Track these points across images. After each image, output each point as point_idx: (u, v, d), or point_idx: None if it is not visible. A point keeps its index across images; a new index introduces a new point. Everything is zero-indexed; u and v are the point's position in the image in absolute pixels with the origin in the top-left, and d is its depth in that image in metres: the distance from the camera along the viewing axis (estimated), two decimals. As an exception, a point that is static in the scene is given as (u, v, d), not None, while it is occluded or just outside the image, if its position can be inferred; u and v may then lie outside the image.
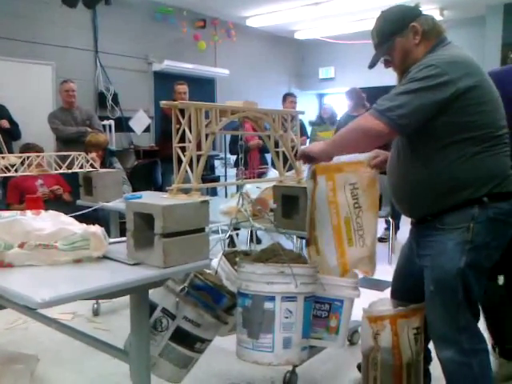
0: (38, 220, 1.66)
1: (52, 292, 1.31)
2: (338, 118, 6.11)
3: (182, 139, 1.81)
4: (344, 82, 9.09)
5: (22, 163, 2.89)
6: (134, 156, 6.50)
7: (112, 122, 6.37)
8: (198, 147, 1.80)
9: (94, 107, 6.29)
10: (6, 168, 2.83)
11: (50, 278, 1.50)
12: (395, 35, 1.81)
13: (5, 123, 4.86)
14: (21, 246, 1.58)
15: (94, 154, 3.54)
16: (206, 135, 1.80)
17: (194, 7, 7.31)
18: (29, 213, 1.70)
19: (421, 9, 1.86)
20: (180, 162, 1.80)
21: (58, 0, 4.99)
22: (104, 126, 6.00)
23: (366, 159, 2.02)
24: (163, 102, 1.79)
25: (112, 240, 1.83)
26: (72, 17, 5.97)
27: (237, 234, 3.71)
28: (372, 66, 1.91)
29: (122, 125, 6.61)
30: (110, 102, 6.44)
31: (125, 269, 1.57)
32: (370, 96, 8.21)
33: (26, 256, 1.57)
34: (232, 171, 6.81)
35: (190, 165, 1.79)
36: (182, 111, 1.80)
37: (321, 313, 2.12)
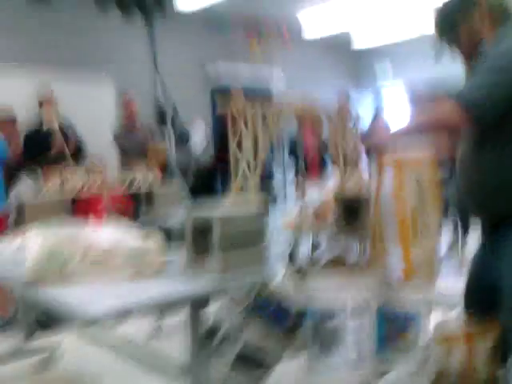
0: (96, 235, 1.64)
1: (109, 305, 1.29)
2: None
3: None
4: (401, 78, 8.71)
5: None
6: (195, 173, 6.51)
7: (172, 136, 6.41)
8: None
9: (154, 122, 6.38)
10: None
11: (108, 292, 1.46)
12: (461, 23, 1.72)
13: (72, 144, 4.78)
14: (80, 261, 1.56)
15: (157, 172, 3.58)
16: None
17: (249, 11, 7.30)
18: (88, 228, 1.69)
19: None
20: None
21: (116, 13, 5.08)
22: (164, 139, 6.06)
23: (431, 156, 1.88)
24: (219, 110, 1.74)
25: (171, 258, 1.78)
26: (132, 33, 6.12)
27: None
28: (438, 58, 1.82)
29: (182, 137, 6.65)
30: (171, 114, 6.50)
31: (180, 280, 1.53)
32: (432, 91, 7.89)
33: (84, 271, 1.55)
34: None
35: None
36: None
37: (392, 331, 1.98)
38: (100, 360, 2.83)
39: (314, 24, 7.90)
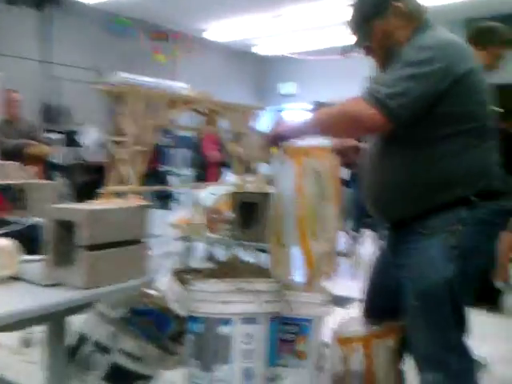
0: None
1: None
2: None
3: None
4: (305, 97, 9.00)
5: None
6: (83, 172, 6.12)
7: (60, 136, 6.00)
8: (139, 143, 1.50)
9: (41, 120, 5.93)
10: None
11: None
12: (375, 17, 1.62)
13: None
14: None
15: (35, 168, 3.21)
16: (151, 130, 1.50)
17: (152, 19, 7.09)
18: None
19: None
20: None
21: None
22: (51, 139, 5.64)
23: (330, 145, 1.77)
24: (101, 87, 1.49)
25: (29, 257, 1.49)
26: (22, 24, 5.64)
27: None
28: (347, 51, 1.73)
29: (72, 139, 6.25)
30: (59, 114, 6.09)
31: (38, 291, 1.24)
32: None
33: None
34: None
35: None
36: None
37: (286, 336, 1.84)
38: None
39: (219, 33, 7.87)
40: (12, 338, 2.89)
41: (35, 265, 1.43)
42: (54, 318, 1.24)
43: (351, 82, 8.08)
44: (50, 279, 1.28)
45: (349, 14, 1.70)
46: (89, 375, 1.43)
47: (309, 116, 1.63)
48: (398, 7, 1.59)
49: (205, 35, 7.99)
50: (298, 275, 1.76)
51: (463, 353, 1.54)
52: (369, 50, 1.69)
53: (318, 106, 5.79)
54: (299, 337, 1.87)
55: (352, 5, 1.70)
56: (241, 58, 9.19)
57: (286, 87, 9.67)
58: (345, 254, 5.05)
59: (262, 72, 9.83)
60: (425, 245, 1.52)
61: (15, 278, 1.33)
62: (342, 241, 5.24)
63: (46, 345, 1.29)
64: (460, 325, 1.54)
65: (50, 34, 6.08)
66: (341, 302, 3.60)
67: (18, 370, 1.65)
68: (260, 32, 7.84)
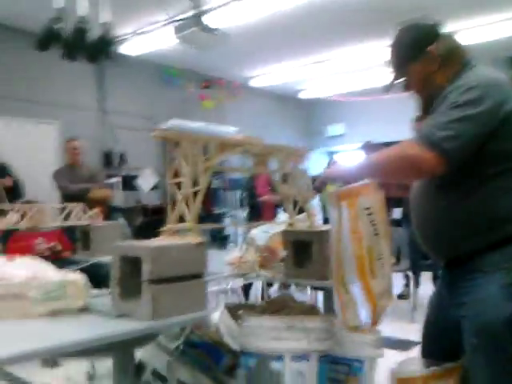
0: (10, 266, 1.45)
1: (13, 348, 1.08)
2: None
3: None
4: (353, 138, 9.06)
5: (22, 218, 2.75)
6: (142, 214, 6.36)
7: (119, 180, 6.31)
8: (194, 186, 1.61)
9: (100, 166, 6.26)
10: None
11: (17, 332, 1.27)
12: (410, 61, 1.66)
13: (8, 181, 4.79)
14: (-11, 296, 1.36)
15: (97, 209, 3.39)
16: (204, 171, 1.61)
17: (199, 68, 7.44)
18: (1, 258, 1.50)
19: (442, 27, 1.69)
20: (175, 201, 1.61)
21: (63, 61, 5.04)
22: (111, 184, 5.93)
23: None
24: (156, 133, 1.62)
25: (97, 292, 1.61)
26: (78, 76, 6.06)
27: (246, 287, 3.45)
28: (387, 90, 1.75)
29: (130, 183, 6.55)
30: (117, 160, 6.42)
31: (106, 322, 1.34)
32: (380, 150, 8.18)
33: (-7, 308, 1.35)
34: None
35: (186, 204, 1.59)
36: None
37: (337, 375, 1.84)
38: None
39: (264, 80, 8.11)
40: (78, 372, 3.06)
41: (103, 298, 1.54)
42: (122, 348, 1.32)
43: (397, 122, 8.12)
44: (117, 311, 1.38)
45: (389, 54, 1.74)
46: (149, 405, 1.50)
47: (360, 158, 1.67)
48: (431, 52, 1.61)
49: (251, 83, 8.27)
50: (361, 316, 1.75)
51: None
52: (407, 87, 1.72)
53: (367, 145, 5.78)
54: (350, 377, 1.87)
55: (391, 46, 1.73)
56: (287, 102, 9.39)
57: (334, 129, 9.76)
58: (402, 296, 4.94)
59: (309, 115, 9.99)
60: (482, 283, 1.51)
61: (85, 310, 1.44)
62: (400, 283, 5.15)
63: (114, 374, 1.37)
64: None
65: (105, 85, 6.49)
66: (399, 345, 3.52)
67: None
68: (304, 76, 8.03)
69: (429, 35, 1.66)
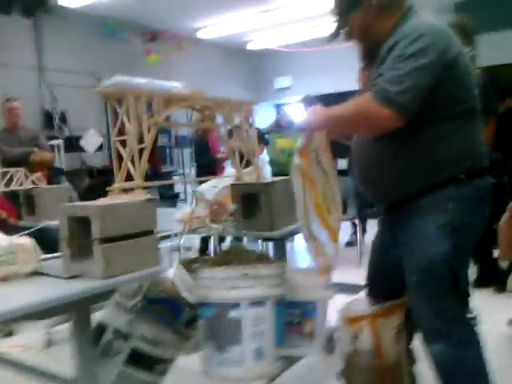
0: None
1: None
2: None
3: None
4: (301, 90, 9.05)
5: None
6: (87, 176, 6.20)
7: (61, 142, 6.09)
8: (141, 142, 1.59)
9: (40, 127, 6.00)
10: None
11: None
12: (350, 10, 1.65)
13: None
14: None
15: (39, 174, 3.28)
16: (149, 128, 1.59)
17: (144, 20, 7.14)
18: None
19: None
20: (120, 158, 1.58)
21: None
22: (52, 146, 5.70)
23: None
24: (97, 89, 1.58)
25: (47, 256, 1.58)
26: (12, 31, 5.70)
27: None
28: (330, 39, 1.75)
29: (73, 144, 6.33)
30: (58, 121, 6.16)
31: (59, 283, 1.34)
32: (327, 103, 8.29)
33: None
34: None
35: (132, 162, 1.57)
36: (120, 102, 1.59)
37: (293, 318, 1.93)
38: None
39: (210, 31, 7.90)
40: (35, 339, 3.08)
41: (54, 261, 1.52)
42: (77, 308, 1.32)
43: (343, 72, 8.18)
44: (69, 272, 1.37)
45: (332, 3, 1.73)
46: (110, 361, 1.52)
47: (301, 111, 1.68)
48: (369, 1, 1.61)
49: (198, 35, 8.05)
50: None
51: (465, 324, 1.61)
52: (349, 36, 1.73)
53: (307, 98, 5.85)
54: (305, 319, 1.97)
55: None
56: (234, 54, 9.23)
57: (281, 81, 9.73)
58: (350, 244, 5.14)
59: (257, 67, 9.87)
60: (420, 224, 1.59)
61: (37, 274, 1.42)
62: (348, 231, 5.34)
63: (73, 335, 1.37)
64: (460, 297, 1.61)
65: (43, 41, 6.14)
66: (348, 289, 3.68)
67: (47, 367, 1.76)
68: (252, 27, 7.89)
69: None
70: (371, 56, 1.69)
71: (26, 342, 3.10)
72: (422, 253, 1.59)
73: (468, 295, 1.72)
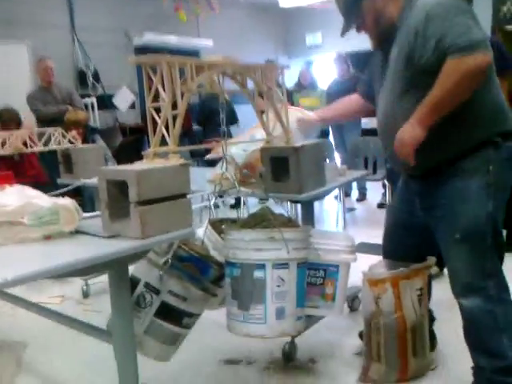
0: (2, 195, 1.52)
1: (16, 270, 1.18)
2: (328, 84, 5.93)
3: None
4: (332, 47, 8.86)
5: (3, 143, 2.77)
6: (120, 134, 6.32)
7: (94, 100, 6.20)
8: (174, 107, 1.64)
9: (74, 85, 6.10)
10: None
11: (16, 256, 1.37)
12: (361, 1, 1.74)
13: None
14: (-17, 224, 1.44)
15: (74, 132, 3.39)
16: (182, 94, 1.64)
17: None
18: (-8, 188, 1.56)
19: None
20: (155, 124, 1.65)
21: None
22: (86, 104, 5.82)
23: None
24: (132, 59, 1.63)
25: (87, 214, 1.69)
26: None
27: (222, 202, 3.55)
28: (343, 34, 1.85)
29: (106, 102, 6.43)
30: (91, 79, 6.26)
31: (99, 242, 1.44)
32: (361, 60, 8.11)
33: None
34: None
35: (167, 127, 1.64)
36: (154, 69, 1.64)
37: (315, 280, 2.02)
38: (24, 323, 2.79)
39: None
40: (73, 290, 3.26)
41: (93, 220, 1.63)
42: (116, 265, 1.43)
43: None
44: (108, 232, 1.48)
45: None
46: (142, 312, 1.64)
47: (421, 111, 1.59)
48: None
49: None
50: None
51: (501, 281, 1.70)
52: (360, 27, 1.81)
53: (340, 57, 5.74)
54: (326, 281, 2.05)
55: None
56: (266, 11, 9.04)
57: (312, 38, 9.53)
58: (382, 205, 5.15)
59: (288, 25, 9.68)
60: (463, 185, 1.66)
61: (78, 232, 1.53)
62: (379, 192, 5.35)
63: (111, 289, 1.48)
64: (498, 254, 1.71)
65: (74, 0, 6.17)
66: (375, 249, 3.75)
67: (84, 317, 1.90)
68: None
69: None
70: (384, 41, 1.77)
71: (64, 292, 3.30)
72: (467, 211, 1.66)
73: (503, 256, 1.82)
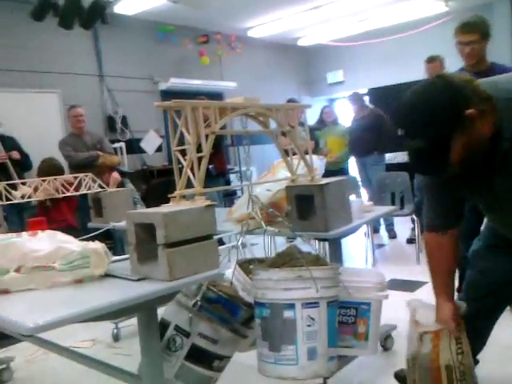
0: (34, 241, 1.56)
1: (47, 315, 1.20)
2: (348, 125, 5.98)
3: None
4: (353, 84, 8.98)
5: (36, 189, 2.86)
6: (148, 177, 6.45)
7: (123, 145, 6.37)
8: (199, 150, 1.68)
9: (103, 131, 6.30)
10: (22, 197, 2.82)
11: (47, 301, 1.39)
12: (451, 136, 1.34)
13: (15, 154, 4.86)
14: (17, 270, 1.48)
15: (116, 174, 3.49)
16: (206, 136, 1.68)
17: (195, 23, 7.32)
18: (25, 234, 1.60)
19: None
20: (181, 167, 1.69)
21: (60, 28, 5.00)
22: (115, 149, 5.97)
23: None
24: (157, 104, 1.68)
25: (117, 258, 1.72)
26: (74, 42, 6.02)
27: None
28: (439, 175, 1.51)
29: (134, 146, 6.61)
30: (119, 124, 6.45)
31: (128, 285, 1.46)
32: (382, 95, 8.18)
33: (23, 280, 1.47)
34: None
35: (192, 170, 1.67)
36: (178, 112, 1.69)
37: (347, 318, 1.98)
38: (57, 368, 2.81)
39: (261, 30, 7.99)
40: (104, 334, 3.27)
41: (122, 263, 1.65)
42: (145, 308, 1.43)
43: (395, 64, 8.04)
44: (137, 274, 1.49)
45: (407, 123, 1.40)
46: (173, 356, 1.63)
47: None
48: (471, 114, 1.32)
49: (249, 34, 8.15)
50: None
51: None
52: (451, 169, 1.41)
53: (354, 96, 5.84)
54: (358, 319, 2.00)
55: (407, 113, 1.39)
56: (286, 51, 9.26)
57: (334, 76, 9.67)
58: (411, 241, 5.05)
59: (309, 63, 9.86)
60: None
61: (107, 276, 1.55)
62: (408, 227, 5.27)
63: (140, 333, 1.49)
64: None
65: (102, 49, 6.43)
66: (406, 285, 3.68)
67: (115, 361, 1.90)
68: (303, 23, 7.89)
69: (459, 93, 1.34)
70: (472, 174, 1.47)
71: (95, 336, 3.30)
72: None
73: None
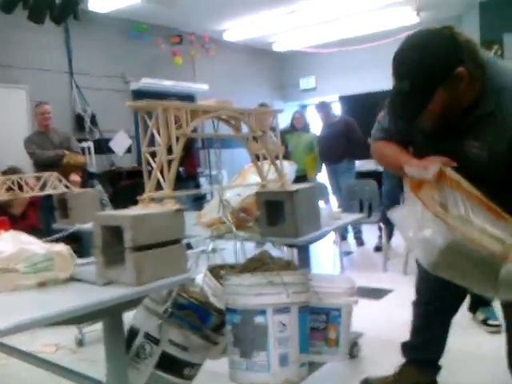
0: (-5, 242, 1.49)
1: (9, 319, 1.14)
2: (318, 133, 6.03)
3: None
4: (325, 91, 9.08)
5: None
6: (117, 178, 6.33)
7: (91, 144, 6.23)
8: (170, 152, 1.64)
9: (71, 130, 6.15)
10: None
11: (10, 304, 1.33)
12: (436, 87, 1.38)
13: None
14: (-24, 272, 1.40)
15: (76, 176, 3.38)
16: (177, 138, 1.64)
17: (169, 23, 7.25)
18: (-15, 235, 1.53)
19: (455, 31, 1.41)
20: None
21: (30, 22, 4.85)
22: (83, 148, 5.84)
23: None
24: (128, 104, 1.64)
25: (82, 261, 1.66)
26: (44, 37, 5.87)
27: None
28: (412, 120, 1.50)
29: (102, 146, 6.47)
30: (88, 123, 6.31)
31: (93, 290, 1.40)
32: (353, 103, 8.29)
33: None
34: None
35: (162, 172, 1.63)
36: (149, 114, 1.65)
37: (318, 324, 1.98)
38: (19, 373, 2.70)
39: (235, 33, 7.98)
40: (68, 339, 3.17)
41: (88, 267, 1.60)
42: (111, 313, 1.39)
43: (367, 72, 8.15)
44: (103, 279, 1.44)
45: (403, 63, 1.42)
46: (141, 364, 1.59)
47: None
48: (462, 72, 1.36)
49: (224, 37, 8.13)
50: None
51: None
52: (428, 119, 1.47)
53: (321, 105, 5.92)
54: (329, 325, 2.00)
55: (409, 54, 1.42)
56: (260, 55, 9.28)
57: (306, 82, 9.75)
58: (378, 248, 5.10)
59: (282, 68, 9.91)
60: None
61: (72, 279, 1.50)
62: (375, 235, 5.32)
63: (105, 338, 1.44)
64: None
65: (73, 45, 6.29)
66: (373, 293, 3.71)
67: (79, 367, 1.84)
68: (277, 28, 7.92)
69: (456, 50, 1.38)
70: (445, 131, 1.50)
71: (58, 341, 3.19)
72: None
73: None
